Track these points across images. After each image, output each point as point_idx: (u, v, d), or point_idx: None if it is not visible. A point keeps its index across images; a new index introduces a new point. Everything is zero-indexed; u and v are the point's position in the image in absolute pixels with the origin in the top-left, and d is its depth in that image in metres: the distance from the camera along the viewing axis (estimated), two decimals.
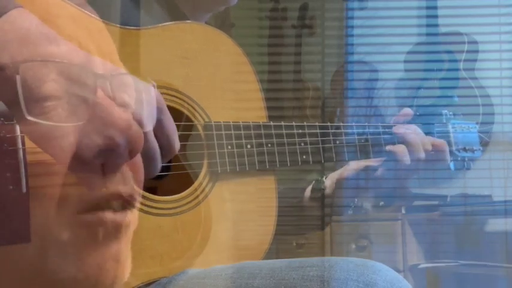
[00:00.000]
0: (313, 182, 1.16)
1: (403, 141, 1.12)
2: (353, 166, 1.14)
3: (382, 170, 1.13)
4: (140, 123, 0.67)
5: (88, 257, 0.71)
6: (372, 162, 1.13)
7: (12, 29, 0.61)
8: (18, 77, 0.61)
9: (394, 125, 1.14)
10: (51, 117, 0.62)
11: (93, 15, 0.79)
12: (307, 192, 1.17)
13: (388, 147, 1.12)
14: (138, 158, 0.68)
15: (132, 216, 0.73)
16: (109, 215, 0.70)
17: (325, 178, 1.16)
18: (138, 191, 0.77)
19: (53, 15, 0.73)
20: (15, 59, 0.60)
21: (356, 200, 1.22)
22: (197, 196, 0.93)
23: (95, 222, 0.70)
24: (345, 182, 1.14)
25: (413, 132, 1.13)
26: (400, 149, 1.12)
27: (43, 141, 0.64)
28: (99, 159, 0.65)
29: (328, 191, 1.15)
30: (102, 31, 0.82)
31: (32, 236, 0.69)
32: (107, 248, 0.72)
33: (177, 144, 0.73)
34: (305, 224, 1.25)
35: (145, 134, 0.68)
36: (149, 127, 0.69)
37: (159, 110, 0.71)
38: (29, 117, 0.61)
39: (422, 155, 1.12)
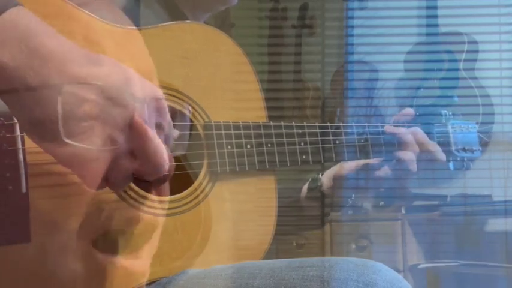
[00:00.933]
0: (309, 180, 1.16)
1: (397, 141, 1.11)
2: (351, 165, 1.13)
3: (382, 170, 1.13)
4: (168, 146, 0.68)
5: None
6: (371, 161, 1.13)
7: (12, 27, 0.61)
8: (59, 99, 0.60)
9: (395, 125, 1.14)
10: (85, 138, 0.61)
11: (133, 29, 0.80)
12: (304, 190, 1.17)
13: (398, 154, 1.11)
14: (166, 184, 0.70)
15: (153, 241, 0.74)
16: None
17: (321, 175, 1.15)
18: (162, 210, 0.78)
19: (96, 35, 0.74)
20: (16, 57, 0.60)
21: (353, 196, 1.22)
22: (197, 196, 0.93)
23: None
24: (344, 181, 1.14)
25: (408, 132, 1.13)
26: (408, 156, 1.11)
27: (74, 163, 0.63)
28: (127, 182, 0.66)
29: (324, 188, 1.15)
30: (143, 49, 0.82)
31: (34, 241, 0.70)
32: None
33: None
34: (303, 223, 1.25)
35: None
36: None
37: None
38: (67, 140, 0.61)
39: (416, 153, 1.12)
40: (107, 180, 0.65)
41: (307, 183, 1.16)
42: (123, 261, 0.78)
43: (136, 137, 0.64)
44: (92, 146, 0.61)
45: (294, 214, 1.19)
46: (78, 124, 0.61)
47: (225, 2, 1.08)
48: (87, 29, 0.75)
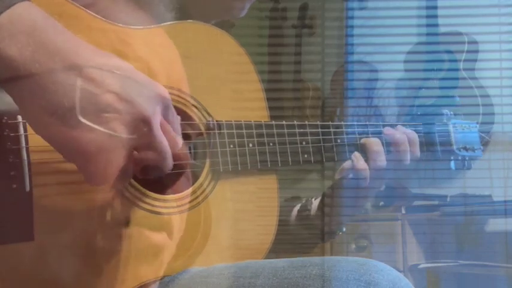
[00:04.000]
0: (301, 203, 1.15)
1: (392, 142, 1.11)
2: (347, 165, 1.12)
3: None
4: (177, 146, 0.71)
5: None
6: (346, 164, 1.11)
7: (20, 21, 0.62)
8: (79, 80, 0.60)
9: (396, 124, 1.13)
10: (106, 128, 0.62)
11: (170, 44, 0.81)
12: (293, 213, 1.16)
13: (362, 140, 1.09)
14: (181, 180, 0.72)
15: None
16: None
17: (314, 200, 1.15)
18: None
19: (129, 40, 0.75)
20: (23, 50, 0.61)
21: (344, 229, 1.20)
22: (199, 195, 0.93)
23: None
24: (334, 208, 1.13)
25: (400, 132, 1.12)
26: (401, 148, 1.10)
27: (90, 151, 0.62)
28: (128, 179, 0.67)
29: (313, 213, 1.14)
30: (176, 60, 0.83)
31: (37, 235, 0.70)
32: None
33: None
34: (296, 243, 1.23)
35: None
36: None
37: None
38: (83, 120, 0.60)
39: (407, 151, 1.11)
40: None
41: (298, 205, 1.16)
42: (126, 259, 0.78)
43: (148, 135, 0.64)
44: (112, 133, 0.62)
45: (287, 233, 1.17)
46: (99, 114, 0.61)
47: (234, 14, 1.09)
48: (123, 35, 0.76)
